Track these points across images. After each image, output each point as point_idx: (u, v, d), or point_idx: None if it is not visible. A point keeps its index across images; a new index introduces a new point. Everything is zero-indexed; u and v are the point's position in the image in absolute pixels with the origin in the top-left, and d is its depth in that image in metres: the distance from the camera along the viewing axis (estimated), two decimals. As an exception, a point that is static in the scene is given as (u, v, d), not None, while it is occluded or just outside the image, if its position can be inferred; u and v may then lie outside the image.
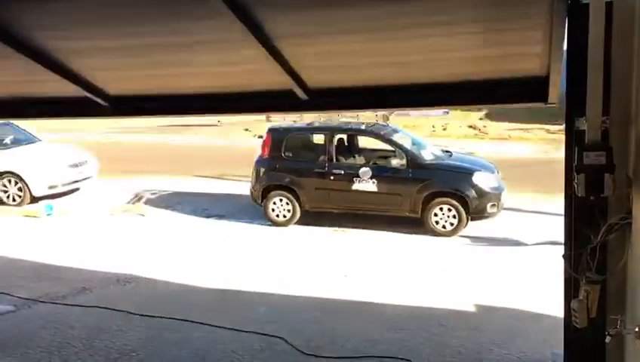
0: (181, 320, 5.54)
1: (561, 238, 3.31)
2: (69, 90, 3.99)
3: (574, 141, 2.92)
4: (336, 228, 9.45)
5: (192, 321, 5.50)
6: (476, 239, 8.83)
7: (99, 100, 4.14)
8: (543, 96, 3.40)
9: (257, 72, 3.55)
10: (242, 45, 3.18)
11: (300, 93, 3.69)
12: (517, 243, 8.36)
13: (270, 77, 3.56)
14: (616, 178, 2.59)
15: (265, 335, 5.18)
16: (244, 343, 5.08)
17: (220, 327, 5.37)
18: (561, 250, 3.39)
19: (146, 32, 3.23)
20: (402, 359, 4.68)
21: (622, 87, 2.77)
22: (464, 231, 9.10)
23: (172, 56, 3.56)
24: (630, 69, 2.72)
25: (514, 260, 7.31)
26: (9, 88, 4.37)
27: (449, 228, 9.02)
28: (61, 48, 3.60)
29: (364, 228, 9.32)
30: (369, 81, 3.65)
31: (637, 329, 2.44)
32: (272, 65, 3.33)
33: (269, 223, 9.82)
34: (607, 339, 2.78)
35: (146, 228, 9.37)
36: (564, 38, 2.86)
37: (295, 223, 9.78)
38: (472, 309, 5.82)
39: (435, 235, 8.97)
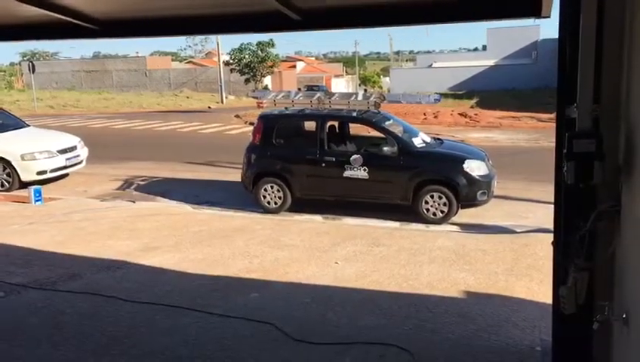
0: (171, 306, 5.54)
1: (551, 225, 3.33)
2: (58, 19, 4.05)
3: (565, 129, 2.93)
4: (328, 215, 9.46)
5: (183, 307, 5.51)
6: (466, 226, 8.88)
7: (89, 25, 4.19)
8: (536, 10, 3.38)
9: None
10: None
11: (290, 14, 3.69)
12: (506, 231, 8.42)
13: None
14: (606, 166, 2.61)
15: (255, 321, 5.19)
16: (235, 329, 5.09)
17: (210, 314, 5.38)
18: (550, 237, 3.42)
19: None
20: (391, 345, 4.71)
21: (613, 76, 2.77)
22: (454, 219, 9.15)
23: None
24: (621, 56, 2.72)
25: (503, 247, 7.36)
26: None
27: (439, 215, 9.07)
28: None
29: (355, 216, 9.34)
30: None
31: (624, 316, 2.47)
32: None
33: (260, 210, 9.82)
34: (595, 326, 2.81)
35: (135, 215, 9.33)
36: None
37: (286, 210, 9.79)
38: (462, 296, 5.85)
39: (425, 223, 9.01)
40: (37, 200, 10.19)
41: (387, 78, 64.49)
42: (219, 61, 45.25)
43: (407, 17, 3.81)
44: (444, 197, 9.04)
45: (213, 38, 56.74)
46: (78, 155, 12.74)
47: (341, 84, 62.76)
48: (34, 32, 4.73)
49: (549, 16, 3.45)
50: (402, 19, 3.88)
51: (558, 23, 2.98)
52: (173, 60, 67.87)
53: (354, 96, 10.68)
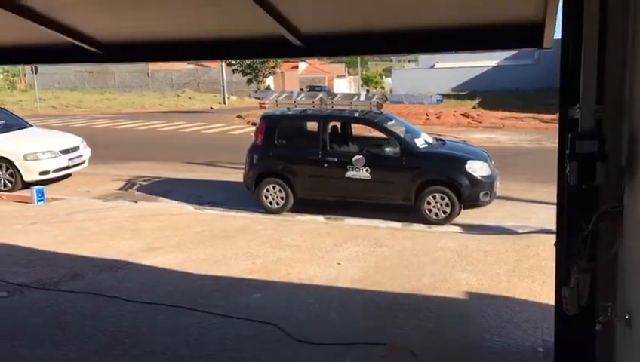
0: (173, 306, 5.54)
1: (553, 226, 3.33)
2: (62, 41, 4.02)
3: (567, 129, 2.92)
4: (330, 216, 9.46)
5: (185, 308, 5.51)
6: (468, 227, 8.87)
7: (91, 48, 4.16)
8: (538, 41, 3.38)
9: (251, 19, 3.52)
10: None
11: (293, 40, 3.67)
12: (509, 232, 8.40)
13: (263, 24, 3.53)
14: (609, 167, 2.60)
15: (257, 321, 5.19)
16: (237, 329, 5.09)
17: (212, 314, 5.38)
18: (552, 238, 3.41)
19: None
20: (393, 346, 4.70)
21: (616, 76, 2.77)
22: (457, 219, 9.14)
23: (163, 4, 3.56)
24: (625, 57, 2.71)
25: (505, 248, 7.35)
26: (6, 39, 4.42)
27: (442, 216, 9.06)
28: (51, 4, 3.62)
29: (357, 216, 9.34)
30: (361, 26, 3.62)
31: (627, 317, 2.46)
32: (261, 12, 3.30)
33: (262, 210, 9.82)
34: (598, 327, 2.80)
35: (138, 215, 9.34)
36: None
37: (288, 211, 9.79)
38: (464, 297, 5.85)
39: (427, 223, 9.00)
40: (39, 201, 10.21)
41: (389, 79, 64.45)
42: (221, 62, 45.30)
43: (411, 46, 3.82)
44: (446, 197, 9.03)
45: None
46: (80, 155, 12.75)
47: (343, 85, 62.75)
48: (36, 55, 4.69)
49: (550, 48, 3.46)
50: (407, 47, 3.90)
51: (560, 24, 2.98)
52: (175, 61, 67.85)
53: (356, 96, 10.68)
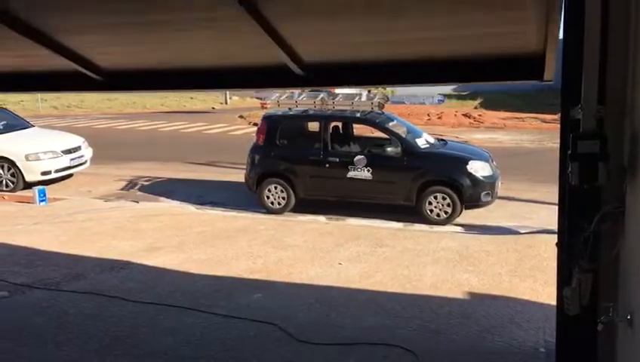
0: (174, 306, 5.55)
1: (555, 227, 3.32)
2: (67, 66, 3.98)
3: (569, 130, 2.92)
4: (331, 216, 9.46)
5: (186, 308, 5.51)
6: (470, 227, 8.86)
7: (94, 76, 4.12)
8: (538, 74, 3.38)
9: (251, 46, 3.49)
10: (236, 21, 3.13)
11: (295, 68, 3.65)
12: (510, 232, 8.40)
13: (264, 51, 3.50)
14: (611, 167, 2.60)
15: (259, 321, 5.19)
16: (238, 330, 5.09)
17: (213, 314, 5.38)
18: (554, 238, 3.41)
19: (133, 9, 3.19)
20: (394, 346, 4.70)
21: (618, 77, 2.77)
22: (458, 220, 9.14)
23: (163, 33, 3.52)
24: (626, 57, 2.71)
25: (507, 248, 7.34)
26: (7, 64, 4.36)
27: (443, 216, 9.05)
28: (60, 29, 3.58)
29: (358, 216, 9.33)
30: (364, 57, 3.61)
31: (628, 317, 2.46)
32: (267, 39, 3.28)
33: (264, 211, 9.83)
34: (599, 327, 2.80)
35: (139, 215, 9.35)
36: (560, 15, 2.83)
37: (290, 211, 9.79)
38: (465, 297, 5.84)
39: (429, 223, 8.99)
40: (41, 201, 10.22)
41: (391, 79, 64.36)
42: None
43: (414, 77, 3.81)
44: (447, 198, 9.03)
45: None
46: (82, 156, 12.76)
47: (345, 85, 62.72)
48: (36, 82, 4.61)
49: (551, 81, 3.46)
50: (411, 78, 3.88)
51: (562, 24, 2.98)
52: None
53: (357, 96, 10.69)
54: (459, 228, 8.87)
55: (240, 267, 6.80)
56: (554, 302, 3.44)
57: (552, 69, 3.28)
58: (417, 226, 8.91)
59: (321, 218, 9.42)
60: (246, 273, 6.59)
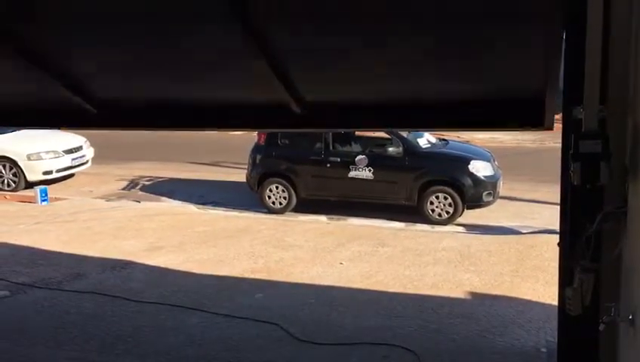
0: (176, 306, 5.55)
1: (557, 227, 3.32)
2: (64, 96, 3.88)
3: (571, 129, 2.91)
4: (332, 216, 9.46)
5: (188, 307, 5.51)
6: (471, 227, 8.86)
7: (89, 107, 4.01)
8: (538, 120, 3.32)
9: (261, 85, 3.41)
10: (240, 58, 3.09)
11: (296, 108, 3.57)
12: (512, 232, 8.39)
13: (265, 89, 3.43)
14: (613, 167, 2.59)
15: (260, 321, 5.19)
16: (240, 329, 5.09)
17: (215, 314, 5.38)
18: (555, 238, 3.40)
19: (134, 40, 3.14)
20: (395, 345, 4.70)
21: (620, 76, 2.76)
22: (460, 220, 9.13)
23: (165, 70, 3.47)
24: (628, 57, 2.71)
25: (508, 248, 7.33)
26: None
27: (445, 216, 9.04)
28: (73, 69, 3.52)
29: (360, 216, 9.33)
30: (365, 97, 3.56)
31: (630, 317, 2.45)
32: (269, 77, 3.22)
33: (265, 210, 9.82)
34: (601, 327, 2.80)
35: (141, 215, 9.35)
36: (560, 62, 2.82)
37: (291, 211, 9.79)
38: (467, 297, 5.84)
39: (430, 223, 8.98)
40: (43, 200, 10.23)
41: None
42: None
43: (416, 122, 3.78)
44: (449, 197, 9.01)
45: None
46: (83, 155, 12.77)
47: (346, 85, 62.70)
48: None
49: (551, 129, 3.43)
50: (414, 123, 3.86)
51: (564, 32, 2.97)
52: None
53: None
54: (460, 228, 8.86)
55: (241, 267, 6.80)
56: (555, 302, 3.43)
57: (552, 118, 3.22)
58: (419, 226, 8.91)
59: (323, 218, 9.42)
60: (247, 273, 6.59)
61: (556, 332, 3.50)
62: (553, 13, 2.50)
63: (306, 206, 9.78)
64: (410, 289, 6.04)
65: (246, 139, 11.52)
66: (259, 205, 9.95)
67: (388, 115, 3.64)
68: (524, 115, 3.32)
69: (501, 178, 9.52)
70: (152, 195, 11.39)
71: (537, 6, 2.50)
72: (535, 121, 3.30)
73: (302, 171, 9.76)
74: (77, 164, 12.57)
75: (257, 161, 10.08)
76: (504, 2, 2.57)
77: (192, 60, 3.31)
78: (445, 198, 9.03)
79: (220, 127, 4.84)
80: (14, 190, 11.61)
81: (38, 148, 12.04)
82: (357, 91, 3.48)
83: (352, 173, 9.38)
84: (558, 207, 3.25)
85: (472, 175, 9.09)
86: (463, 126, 3.79)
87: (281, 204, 9.81)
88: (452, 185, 9.05)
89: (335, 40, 2.91)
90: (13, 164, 11.73)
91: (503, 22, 2.65)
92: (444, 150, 9.93)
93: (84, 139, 13.19)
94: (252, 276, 6.49)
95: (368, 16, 2.72)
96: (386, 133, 9.80)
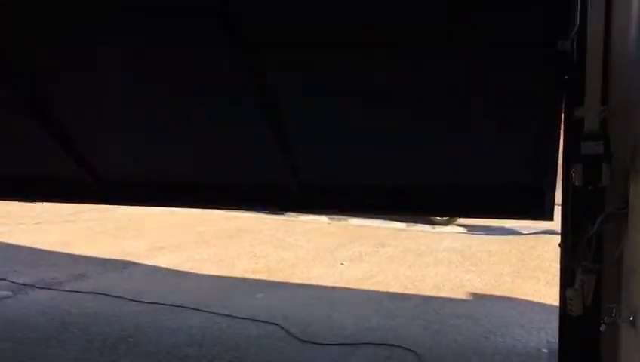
0: (177, 306, 5.55)
1: (558, 227, 3.32)
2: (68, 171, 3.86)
3: (572, 130, 2.91)
4: (333, 216, 9.46)
5: (188, 307, 5.51)
6: (472, 228, 8.85)
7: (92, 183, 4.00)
8: (540, 215, 3.31)
9: (265, 163, 3.39)
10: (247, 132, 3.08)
11: (294, 188, 3.54)
12: (513, 232, 8.39)
13: (274, 171, 3.40)
14: (614, 168, 2.59)
15: (261, 321, 5.19)
16: (241, 329, 5.09)
17: (215, 314, 5.38)
18: (557, 238, 3.40)
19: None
20: (397, 346, 4.70)
21: (621, 76, 2.76)
22: (460, 220, 9.12)
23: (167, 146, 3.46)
24: (630, 57, 2.70)
25: (509, 249, 7.33)
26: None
27: (446, 216, 9.03)
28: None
29: (360, 216, 9.33)
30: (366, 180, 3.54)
31: (631, 318, 2.45)
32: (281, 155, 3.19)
33: (266, 211, 9.82)
34: (602, 328, 2.79)
35: (141, 215, 9.35)
36: (558, 149, 2.82)
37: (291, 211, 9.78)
38: (468, 297, 5.84)
39: (431, 224, 8.98)
40: (44, 200, 10.22)
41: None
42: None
43: (416, 207, 3.78)
44: (450, 198, 9.00)
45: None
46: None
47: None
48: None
49: (552, 220, 3.45)
50: (414, 208, 3.85)
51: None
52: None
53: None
54: (461, 229, 8.86)
55: (242, 267, 6.80)
56: (556, 303, 3.43)
57: (552, 209, 3.20)
58: (420, 226, 8.91)
59: (323, 218, 9.42)
60: (248, 273, 6.60)
61: (557, 333, 3.50)
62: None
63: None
64: (412, 290, 6.04)
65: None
66: (260, 205, 9.94)
67: (380, 197, 3.62)
68: (525, 205, 3.33)
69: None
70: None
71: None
72: (538, 214, 3.31)
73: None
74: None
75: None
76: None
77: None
78: (446, 199, 9.02)
79: (224, 205, 4.82)
80: (15, 190, 11.61)
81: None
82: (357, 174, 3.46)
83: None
84: (559, 208, 3.25)
85: (472, 175, 9.08)
86: (472, 214, 3.81)
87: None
88: (453, 186, 9.03)
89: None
90: (15, 164, 11.72)
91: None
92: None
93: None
94: (253, 276, 6.49)
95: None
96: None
